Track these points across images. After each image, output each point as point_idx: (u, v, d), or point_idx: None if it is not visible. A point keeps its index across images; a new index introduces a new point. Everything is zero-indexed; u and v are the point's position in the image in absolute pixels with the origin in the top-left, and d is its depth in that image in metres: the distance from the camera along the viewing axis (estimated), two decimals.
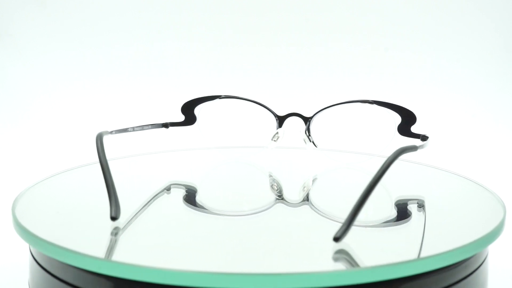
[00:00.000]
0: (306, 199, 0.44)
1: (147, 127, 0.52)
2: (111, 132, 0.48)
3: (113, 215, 0.37)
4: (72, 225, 0.39)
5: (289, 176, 0.51)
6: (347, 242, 0.34)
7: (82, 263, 0.33)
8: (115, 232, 0.37)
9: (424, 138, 0.47)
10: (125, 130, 0.50)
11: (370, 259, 0.34)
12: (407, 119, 0.47)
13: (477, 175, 0.52)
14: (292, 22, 0.87)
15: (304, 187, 0.47)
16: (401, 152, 0.39)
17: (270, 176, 0.52)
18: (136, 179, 0.51)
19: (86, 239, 0.37)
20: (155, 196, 0.44)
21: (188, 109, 0.54)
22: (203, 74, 0.86)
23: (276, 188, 0.48)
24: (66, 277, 0.35)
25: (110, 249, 0.36)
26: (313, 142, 0.50)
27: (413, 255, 0.35)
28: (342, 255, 0.34)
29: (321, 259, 0.34)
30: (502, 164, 0.75)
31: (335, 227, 0.34)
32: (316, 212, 0.41)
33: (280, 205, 0.43)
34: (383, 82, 0.85)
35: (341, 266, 0.33)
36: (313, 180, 0.50)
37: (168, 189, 0.47)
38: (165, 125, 0.54)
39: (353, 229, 0.34)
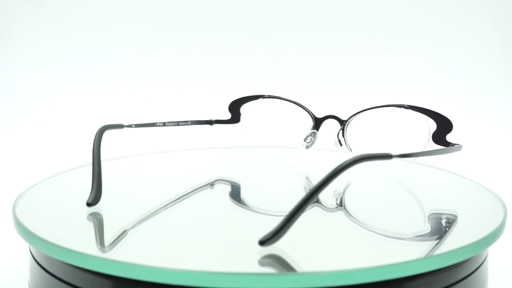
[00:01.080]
0: (340, 204, 0.43)
1: (193, 123, 0.53)
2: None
3: (89, 201, 0.40)
4: (72, 225, 0.39)
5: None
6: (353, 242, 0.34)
7: (82, 262, 0.33)
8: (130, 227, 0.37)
9: (453, 147, 0.43)
10: (167, 124, 0.52)
11: (370, 260, 0.34)
12: (443, 126, 0.45)
13: (477, 175, 0.52)
14: (292, 22, 0.87)
15: (337, 192, 0.46)
16: (359, 160, 0.35)
17: (306, 178, 0.51)
18: (180, 173, 0.52)
19: (86, 239, 0.37)
20: (195, 191, 0.45)
21: (234, 107, 0.54)
22: (203, 75, 0.86)
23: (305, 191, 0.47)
24: (66, 277, 0.35)
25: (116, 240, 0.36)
26: (348, 145, 0.49)
27: (414, 256, 0.35)
28: (349, 255, 0.34)
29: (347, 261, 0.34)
30: (502, 164, 0.75)
31: (367, 235, 0.34)
32: (350, 218, 0.41)
33: (317, 209, 0.42)
34: (383, 82, 0.85)
35: (342, 266, 0.33)
36: (347, 186, 0.48)
37: (212, 184, 0.47)
38: (210, 122, 0.55)
39: (357, 225, 0.34)
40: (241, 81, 0.85)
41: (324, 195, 0.44)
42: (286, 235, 0.33)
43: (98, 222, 0.40)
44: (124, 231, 0.38)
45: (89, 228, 0.39)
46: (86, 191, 0.44)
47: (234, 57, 0.86)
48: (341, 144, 0.49)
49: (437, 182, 0.50)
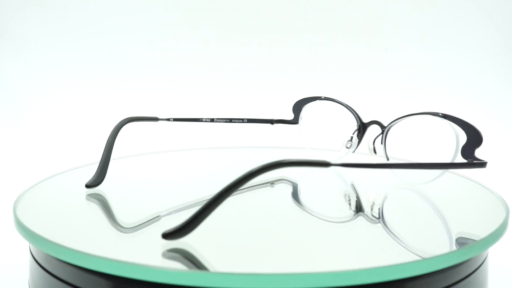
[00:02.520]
0: (381, 217, 0.42)
1: (249, 121, 0.53)
2: (212, 120, 0.51)
3: (88, 183, 0.42)
4: (72, 225, 0.39)
5: (365, 188, 0.49)
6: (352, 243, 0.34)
7: (82, 261, 0.33)
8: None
9: (477, 164, 0.42)
10: (230, 121, 0.52)
11: (371, 260, 0.34)
12: (472, 140, 0.43)
13: (478, 175, 0.52)
14: (292, 22, 0.87)
15: (376, 204, 0.45)
16: (267, 168, 0.33)
17: (352, 184, 0.49)
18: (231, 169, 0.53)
19: (86, 239, 0.37)
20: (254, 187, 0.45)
21: (297, 108, 0.53)
22: (203, 75, 0.86)
23: (351, 201, 0.46)
24: (66, 277, 0.35)
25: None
26: (386, 153, 0.47)
27: (415, 256, 0.35)
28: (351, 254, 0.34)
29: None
30: (503, 164, 0.75)
31: (368, 236, 0.35)
32: (388, 233, 0.40)
33: (361, 219, 0.42)
34: (383, 82, 0.85)
35: (342, 267, 0.33)
36: (386, 197, 0.47)
37: (272, 183, 0.47)
38: (271, 122, 0.54)
39: (355, 228, 0.34)
40: (239, 82, 0.85)
41: (367, 206, 0.43)
42: (287, 235, 0.33)
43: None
44: (158, 216, 0.40)
45: (90, 228, 0.39)
46: (86, 191, 0.44)
47: (234, 57, 0.86)
48: (375, 152, 0.48)
49: (437, 182, 0.49)
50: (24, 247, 0.42)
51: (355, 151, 0.50)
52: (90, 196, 0.44)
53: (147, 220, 0.40)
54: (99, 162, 0.46)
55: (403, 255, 0.36)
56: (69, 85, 0.84)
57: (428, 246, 0.37)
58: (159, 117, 0.50)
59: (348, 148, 0.50)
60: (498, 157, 0.76)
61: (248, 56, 0.86)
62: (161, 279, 0.31)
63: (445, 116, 0.44)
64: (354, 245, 0.37)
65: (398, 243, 0.37)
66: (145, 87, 0.85)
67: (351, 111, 0.50)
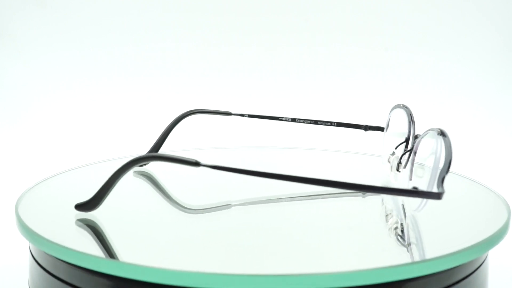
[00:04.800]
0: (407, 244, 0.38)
1: (339, 125, 0.50)
2: (294, 120, 0.49)
3: (79, 204, 0.39)
4: (72, 225, 0.39)
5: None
6: (347, 244, 0.34)
7: (83, 261, 0.33)
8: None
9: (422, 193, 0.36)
10: (315, 122, 0.50)
11: (371, 261, 0.34)
12: (446, 168, 0.37)
13: (478, 175, 0.52)
14: (292, 22, 0.87)
15: (398, 227, 0.41)
16: (138, 160, 0.37)
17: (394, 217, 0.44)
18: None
19: (87, 239, 0.37)
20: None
21: (390, 116, 0.49)
22: (203, 75, 0.86)
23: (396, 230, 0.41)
24: (66, 277, 0.35)
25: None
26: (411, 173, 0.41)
27: (415, 257, 0.35)
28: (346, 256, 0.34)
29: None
30: (503, 164, 0.75)
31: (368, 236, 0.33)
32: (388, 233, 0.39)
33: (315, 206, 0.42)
34: (383, 82, 0.85)
35: (342, 268, 0.33)
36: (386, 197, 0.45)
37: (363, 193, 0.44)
38: (364, 128, 0.50)
39: (351, 231, 0.34)
40: (238, 82, 0.85)
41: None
42: (290, 236, 0.32)
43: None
44: (228, 204, 0.41)
45: (90, 227, 0.39)
46: (87, 191, 0.44)
47: (234, 57, 0.86)
48: (398, 170, 0.44)
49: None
50: (24, 247, 0.42)
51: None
52: (136, 172, 0.46)
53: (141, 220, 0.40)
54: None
55: (403, 256, 0.36)
56: (69, 85, 0.84)
57: (429, 246, 0.37)
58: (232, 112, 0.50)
59: (389, 162, 0.46)
60: (498, 157, 0.76)
61: (248, 56, 0.86)
62: (161, 280, 0.31)
63: (443, 134, 0.40)
64: (354, 245, 0.37)
65: (398, 243, 0.37)
66: (145, 87, 0.85)
67: (410, 121, 0.45)
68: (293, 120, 0.49)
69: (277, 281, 0.30)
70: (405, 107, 0.46)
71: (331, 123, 0.50)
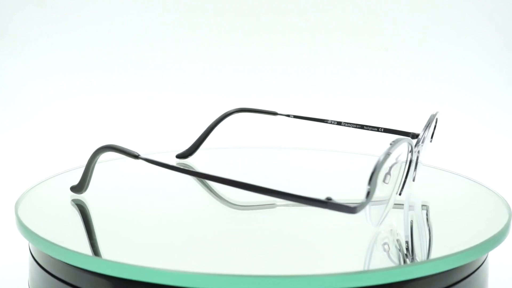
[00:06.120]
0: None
1: (385, 131, 0.48)
2: (339, 123, 0.48)
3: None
4: (72, 225, 0.39)
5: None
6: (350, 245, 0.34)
7: (82, 262, 0.33)
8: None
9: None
10: (362, 127, 0.48)
11: (372, 262, 0.34)
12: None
13: (478, 175, 0.52)
14: (292, 22, 0.87)
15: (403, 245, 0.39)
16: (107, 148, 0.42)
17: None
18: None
19: (87, 239, 0.37)
20: None
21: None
22: (203, 75, 0.86)
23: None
24: (66, 277, 0.35)
25: None
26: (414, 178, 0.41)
27: (416, 258, 0.35)
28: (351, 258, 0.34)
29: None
30: (503, 164, 0.75)
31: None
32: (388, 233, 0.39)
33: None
34: (383, 82, 0.85)
35: (342, 269, 0.33)
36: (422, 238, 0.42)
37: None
38: (413, 135, 0.46)
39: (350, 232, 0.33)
40: (237, 82, 0.85)
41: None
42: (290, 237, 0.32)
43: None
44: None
45: (90, 227, 0.39)
46: (86, 191, 0.44)
47: (234, 57, 0.86)
48: (385, 181, 0.40)
49: (437, 182, 0.49)
50: (24, 247, 0.42)
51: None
52: (90, 196, 0.44)
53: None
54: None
55: (403, 256, 0.36)
56: (69, 85, 0.84)
57: (429, 247, 0.37)
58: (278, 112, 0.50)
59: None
60: (498, 157, 0.76)
61: (248, 56, 0.86)
62: (161, 280, 0.31)
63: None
64: (354, 246, 0.37)
65: (399, 243, 0.37)
66: (145, 87, 0.85)
67: (427, 126, 0.44)
68: (339, 123, 0.48)
69: (277, 281, 0.30)
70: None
71: (377, 129, 0.48)
